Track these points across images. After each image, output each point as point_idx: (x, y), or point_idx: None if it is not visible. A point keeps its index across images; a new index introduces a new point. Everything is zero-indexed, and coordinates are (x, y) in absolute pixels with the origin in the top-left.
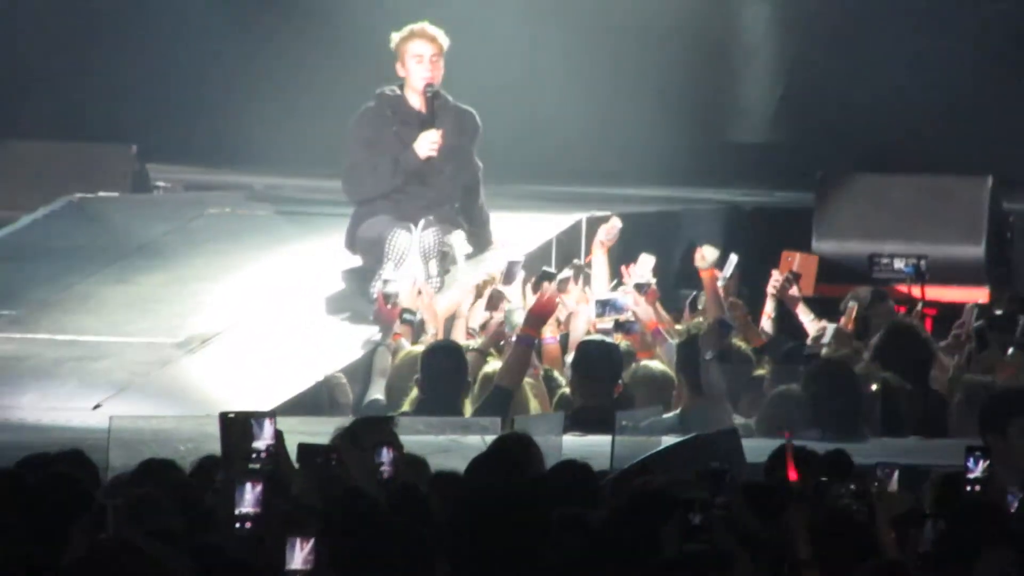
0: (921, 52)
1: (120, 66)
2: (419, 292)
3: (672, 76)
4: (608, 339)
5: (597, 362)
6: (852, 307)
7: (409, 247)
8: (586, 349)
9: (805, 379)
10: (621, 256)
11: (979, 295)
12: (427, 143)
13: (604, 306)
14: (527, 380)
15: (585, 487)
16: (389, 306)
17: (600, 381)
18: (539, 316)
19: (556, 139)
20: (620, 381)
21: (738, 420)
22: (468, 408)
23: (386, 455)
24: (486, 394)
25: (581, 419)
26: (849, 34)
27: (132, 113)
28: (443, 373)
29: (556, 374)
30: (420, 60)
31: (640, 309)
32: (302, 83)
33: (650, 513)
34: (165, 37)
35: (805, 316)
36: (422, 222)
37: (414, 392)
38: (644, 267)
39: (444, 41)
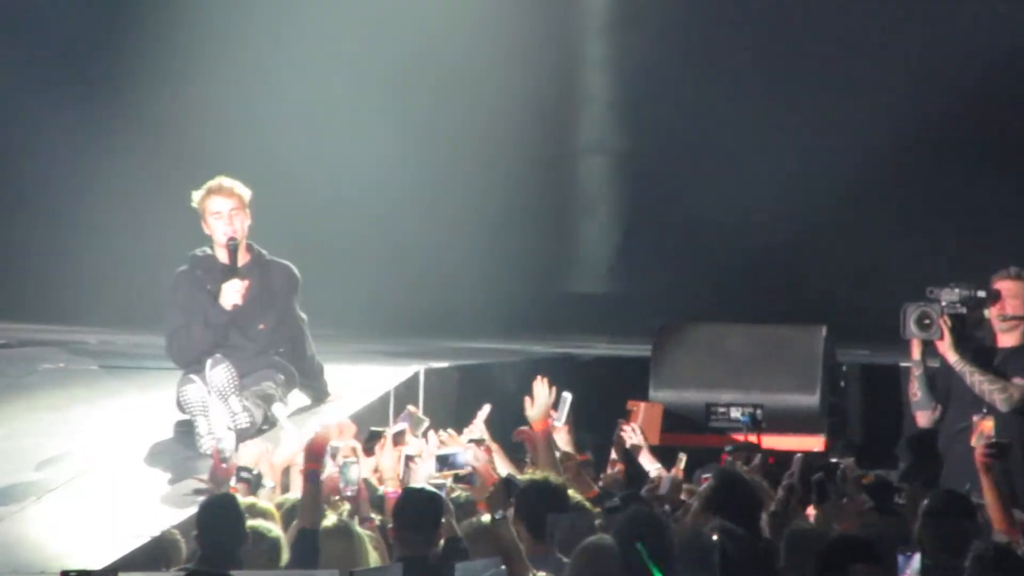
0: (755, 205)
1: None
2: (259, 458)
3: (510, 227)
4: (429, 488)
5: (416, 512)
6: (681, 457)
7: (204, 394)
8: (406, 498)
9: (615, 529)
10: (460, 407)
11: (815, 444)
12: (231, 292)
13: (443, 462)
14: (367, 533)
15: None
16: (224, 464)
17: (419, 531)
18: (312, 452)
19: (394, 292)
20: (440, 531)
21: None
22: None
23: None
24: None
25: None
26: (686, 185)
27: None
28: (220, 525)
29: None
30: (219, 216)
31: (480, 464)
32: (134, 238)
33: None
34: None
35: (651, 464)
36: (208, 362)
37: None
38: (478, 419)
39: (243, 192)
